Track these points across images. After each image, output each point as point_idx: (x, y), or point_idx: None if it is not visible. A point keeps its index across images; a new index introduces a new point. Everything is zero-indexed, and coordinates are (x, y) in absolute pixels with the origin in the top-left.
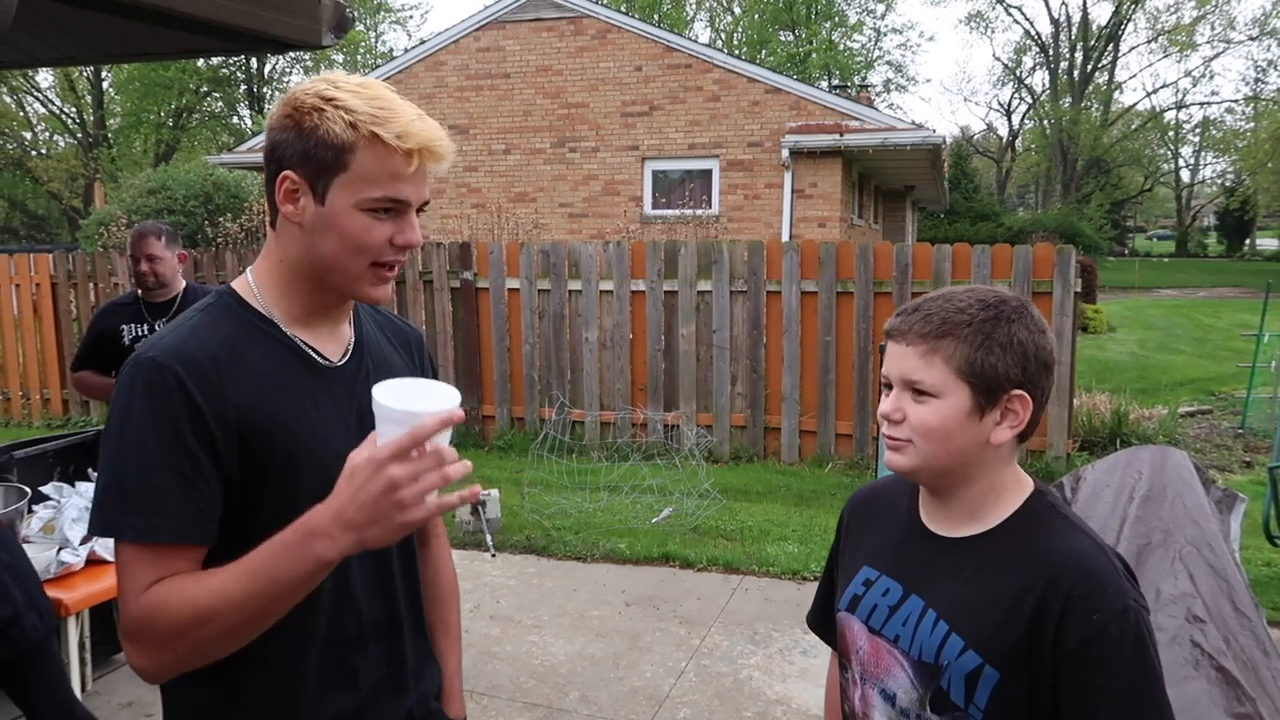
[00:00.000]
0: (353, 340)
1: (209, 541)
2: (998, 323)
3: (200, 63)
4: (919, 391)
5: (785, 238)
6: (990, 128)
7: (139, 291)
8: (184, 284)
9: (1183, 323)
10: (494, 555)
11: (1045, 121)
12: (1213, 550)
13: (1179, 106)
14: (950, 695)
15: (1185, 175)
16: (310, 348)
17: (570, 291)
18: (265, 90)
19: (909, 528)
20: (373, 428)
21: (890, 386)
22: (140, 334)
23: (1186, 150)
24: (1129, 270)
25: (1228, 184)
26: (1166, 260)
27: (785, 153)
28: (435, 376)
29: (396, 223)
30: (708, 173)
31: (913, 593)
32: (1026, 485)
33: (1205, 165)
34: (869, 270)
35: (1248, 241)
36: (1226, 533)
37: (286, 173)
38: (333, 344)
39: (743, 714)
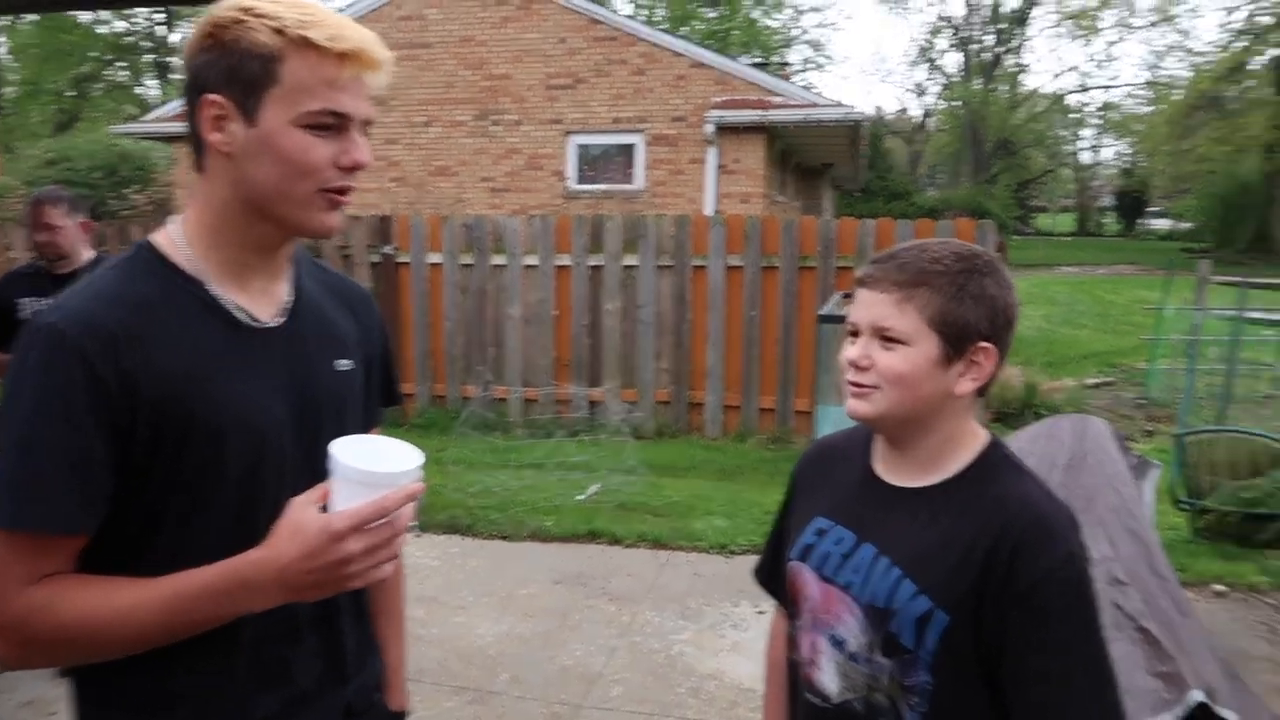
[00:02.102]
0: (290, 300)
1: (89, 532)
2: (971, 275)
3: (104, 29)
4: (889, 338)
5: (709, 213)
6: (904, 108)
7: (42, 262)
8: (91, 254)
9: (1085, 299)
10: (418, 535)
11: (956, 102)
12: (1132, 516)
13: (1082, 90)
14: (900, 639)
15: (1086, 157)
16: (239, 308)
17: (494, 266)
18: (171, 59)
19: (863, 479)
20: (313, 398)
21: (856, 333)
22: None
23: (1088, 133)
24: (1033, 249)
25: (1125, 166)
26: (1067, 239)
27: (710, 128)
28: (385, 341)
29: (340, 141)
30: (632, 147)
31: (866, 541)
32: (982, 437)
33: (1105, 147)
34: (794, 245)
35: (1142, 221)
36: (1142, 498)
37: (209, 96)
38: (266, 303)
39: (676, 690)
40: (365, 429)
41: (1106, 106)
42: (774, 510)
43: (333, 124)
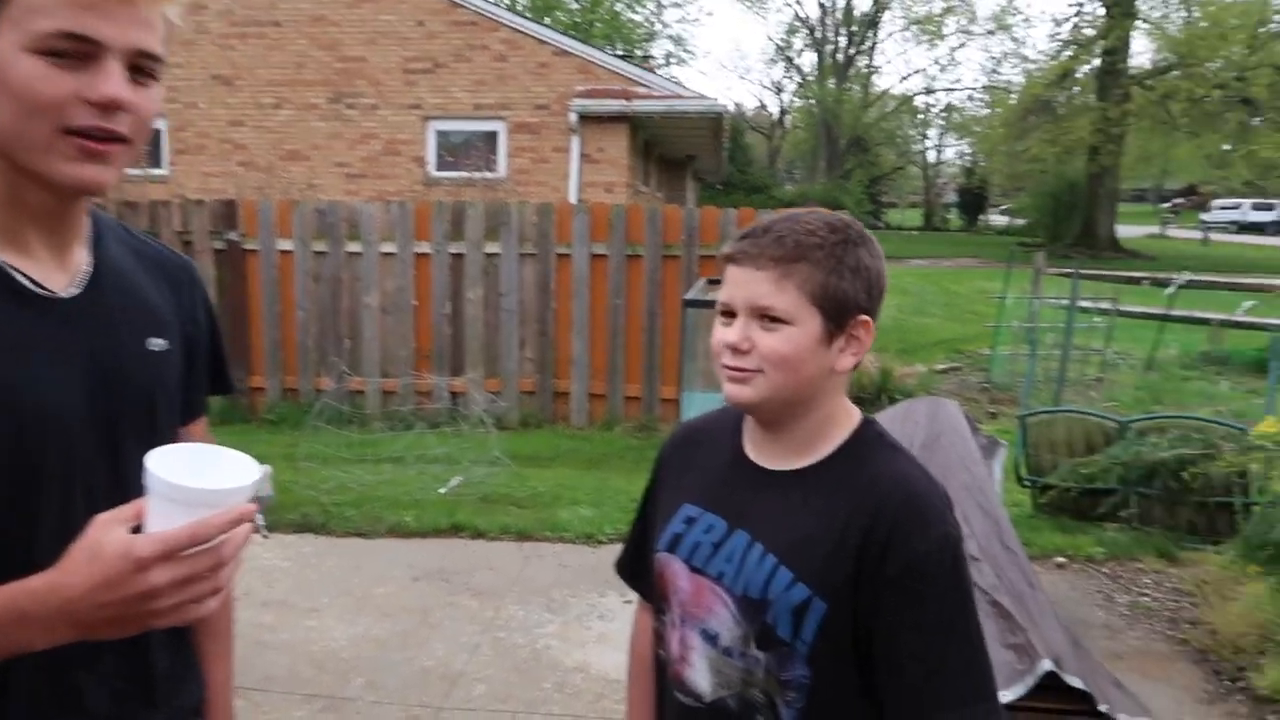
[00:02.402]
0: (89, 267)
1: None
2: (847, 246)
3: None
4: (770, 318)
5: (573, 202)
6: (763, 105)
7: None
8: None
9: (932, 289)
10: (266, 536)
11: (812, 101)
12: (983, 493)
13: (928, 91)
14: (776, 630)
15: (932, 156)
16: (20, 273)
17: (349, 254)
18: None
19: (733, 463)
20: (115, 381)
21: (731, 314)
22: None
23: (933, 133)
24: (885, 242)
25: (967, 165)
26: (914, 233)
27: (573, 116)
28: (213, 322)
29: (89, 72)
30: (494, 135)
31: (738, 528)
32: (855, 415)
33: (948, 147)
34: (658, 234)
35: (982, 217)
36: (991, 476)
37: None
38: (57, 270)
39: (541, 685)
40: (184, 420)
41: (949, 108)
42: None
43: (74, 50)
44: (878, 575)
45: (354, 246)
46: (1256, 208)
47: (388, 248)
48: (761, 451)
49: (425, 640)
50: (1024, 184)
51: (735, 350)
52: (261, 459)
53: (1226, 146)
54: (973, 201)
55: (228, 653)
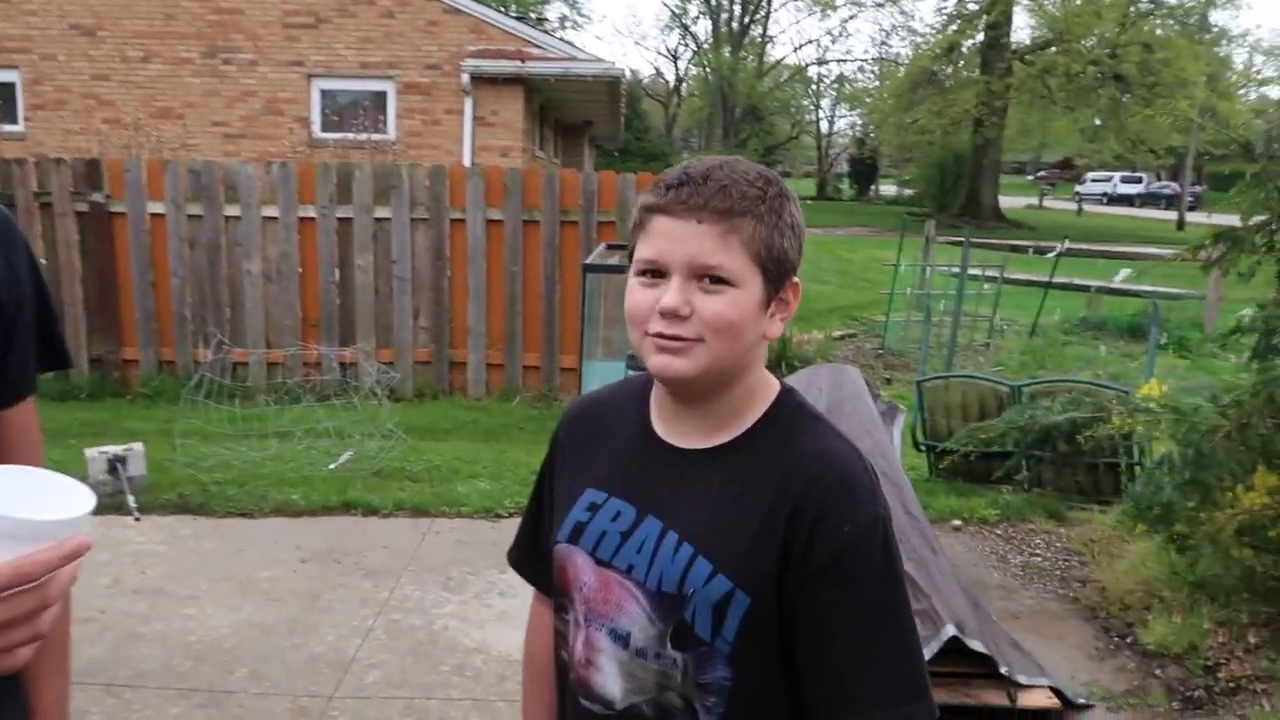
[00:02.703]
0: None
1: None
2: (783, 200)
3: None
4: (713, 279)
5: (467, 166)
6: (658, 72)
7: None
8: None
9: (827, 258)
10: (138, 519)
11: (707, 69)
12: (885, 458)
13: (820, 62)
14: (695, 628)
15: (825, 126)
16: None
17: (227, 218)
18: None
19: (641, 441)
20: None
21: (660, 274)
22: None
23: (826, 103)
24: None
25: (859, 136)
26: (809, 202)
27: (465, 77)
28: (39, 284)
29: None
30: (383, 95)
31: (649, 515)
32: (774, 384)
33: (840, 117)
34: (555, 199)
35: (873, 187)
36: (892, 441)
37: None
38: None
39: (439, 668)
40: (4, 402)
41: (841, 79)
42: None
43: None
44: (805, 563)
45: (233, 210)
46: (1125, 181)
47: (270, 211)
48: (673, 428)
49: (314, 625)
50: (913, 155)
51: (673, 316)
52: (133, 435)
53: (1098, 121)
54: (864, 172)
55: (63, 667)
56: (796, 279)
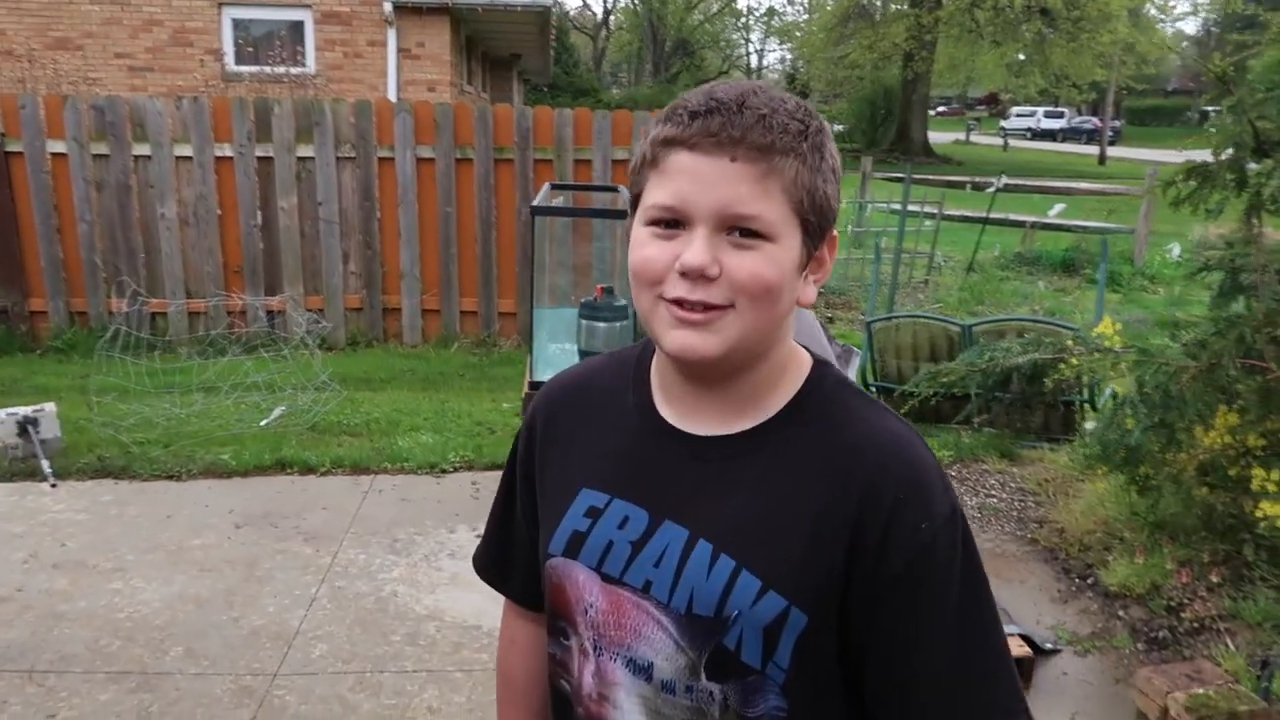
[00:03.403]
0: None
1: None
2: (825, 137)
3: None
4: (746, 232)
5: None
6: (586, 4)
7: None
8: None
9: None
10: (54, 485)
11: (636, 1)
12: None
13: None
14: (741, 655)
15: (755, 61)
16: None
17: (136, 157)
18: None
19: (646, 429)
20: None
21: (676, 224)
22: None
23: (756, 36)
24: None
25: (789, 70)
26: None
27: (388, 6)
28: None
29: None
30: (300, 25)
31: (665, 519)
32: (804, 357)
33: (771, 51)
34: (489, 136)
35: None
36: None
37: None
38: None
39: (391, 638)
40: None
41: (771, 12)
42: (487, 421)
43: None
44: (877, 572)
45: (142, 149)
46: (1049, 116)
47: (183, 150)
48: (684, 412)
49: (253, 596)
50: (843, 90)
51: (699, 277)
52: (45, 394)
53: (1022, 56)
54: None
55: None
56: (835, 232)
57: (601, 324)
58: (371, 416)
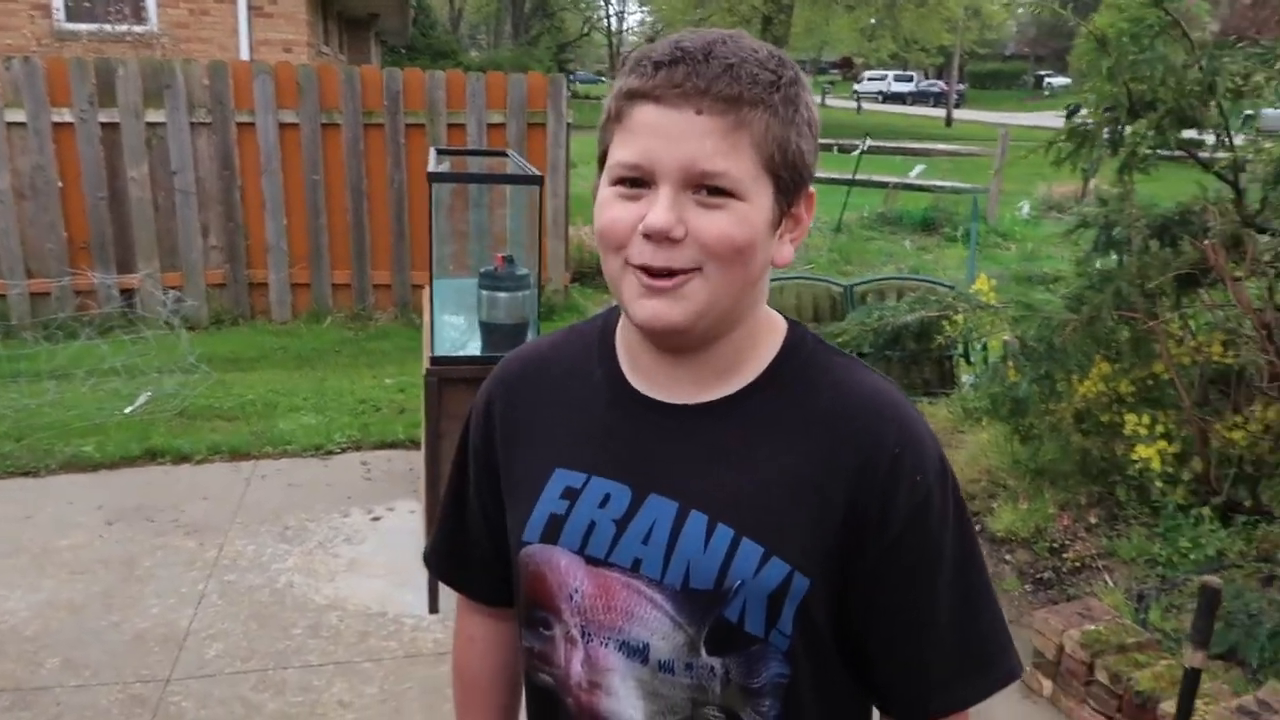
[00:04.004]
0: None
1: None
2: (798, 88)
3: None
4: (713, 190)
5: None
6: None
7: None
8: None
9: None
10: None
11: None
12: None
13: None
14: (745, 626)
15: (615, 23)
16: None
17: None
18: None
19: (619, 401)
20: None
21: (641, 183)
22: None
23: None
24: (578, 111)
25: (650, 33)
26: (601, 103)
27: None
28: None
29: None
30: None
31: (651, 493)
32: (778, 320)
33: (631, 14)
34: (357, 99)
35: None
36: None
37: None
38: None
39: (291, 632)
40: None
41: None
42: (371, 398)
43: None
44: (880, 530)
45: None
46: (898, 79)
47: (15, 116)
48: (656, 381)
49: (135, 598)
50: None
51: (663, 239)
52: None
53: (874, 20)
54: None
55: None
56: (812, 189)
57: (503, 294)
58: (246, 399)
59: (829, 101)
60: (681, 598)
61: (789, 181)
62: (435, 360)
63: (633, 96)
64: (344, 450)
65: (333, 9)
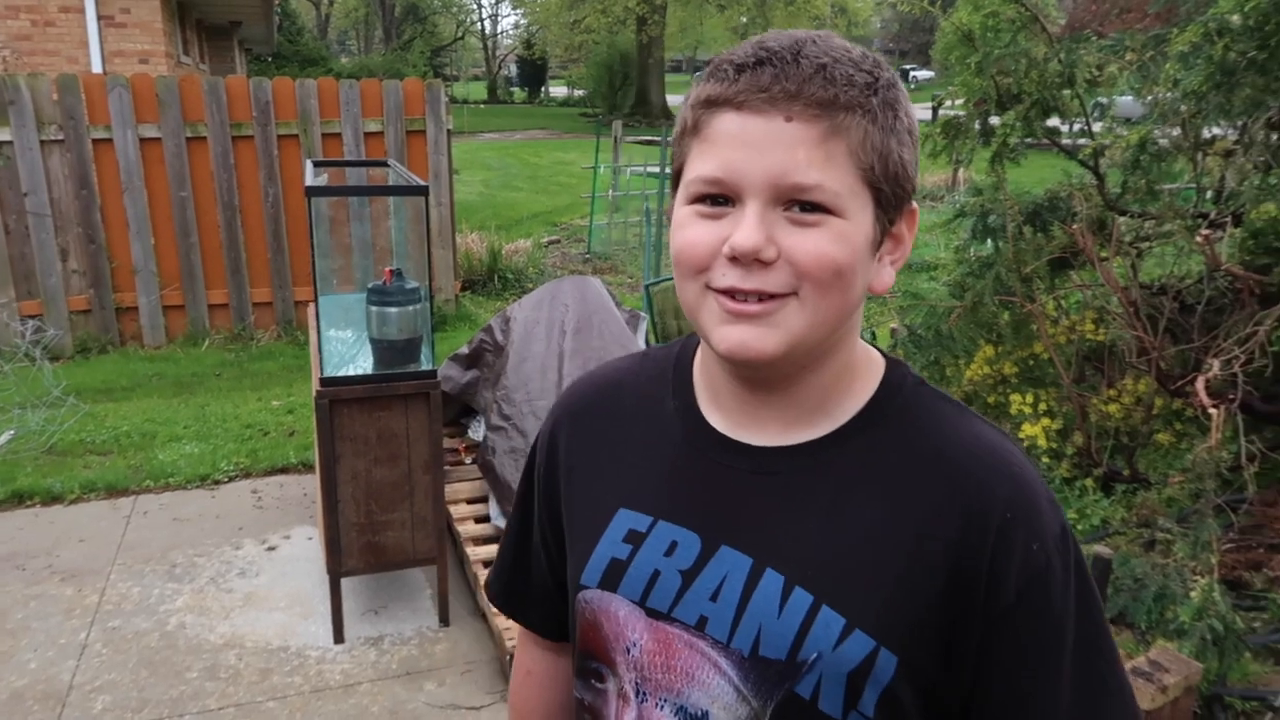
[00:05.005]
0: None
1: None
2: (898, 92)
3: None
4: (806, 206)
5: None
6: None
7: None
8: None
9: (513, 163)
10: None
11: None
12: None
13: None
14: (819, 704)
15: (489, 26)
16: None
17: None
18: None
19: (693, 439)
20: None
21: (724, 200)
22: None
23: (489, 1)
24: (455, 116)
25: (525, 36)
26: (481, 106)
27: None
28: None
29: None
30: None
31: (722, 544)
32: (874, 356)
33: (505, 17)
34: (224, 111)
35: (544, 89)
36: (638, 348)
37: None
38: None
39: (186, 676)
40: None
41: None
42: (257, 422)
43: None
44: (986, 605)
45: None
46: None
47: None
48: (738, 420)
49: (8, 653)
50: (580, 55)
51: (753, 262)
52: None
53: (745, 19)
54: (534, 73)
55: None
56: (914, 205)
57: (393, 309)
58: (120, 430)
59: None
60: (749, 665)
61: (890, 196)
62: (325, 381)
63: (712, 104)
64: (232, 479)
65: (191, 17)
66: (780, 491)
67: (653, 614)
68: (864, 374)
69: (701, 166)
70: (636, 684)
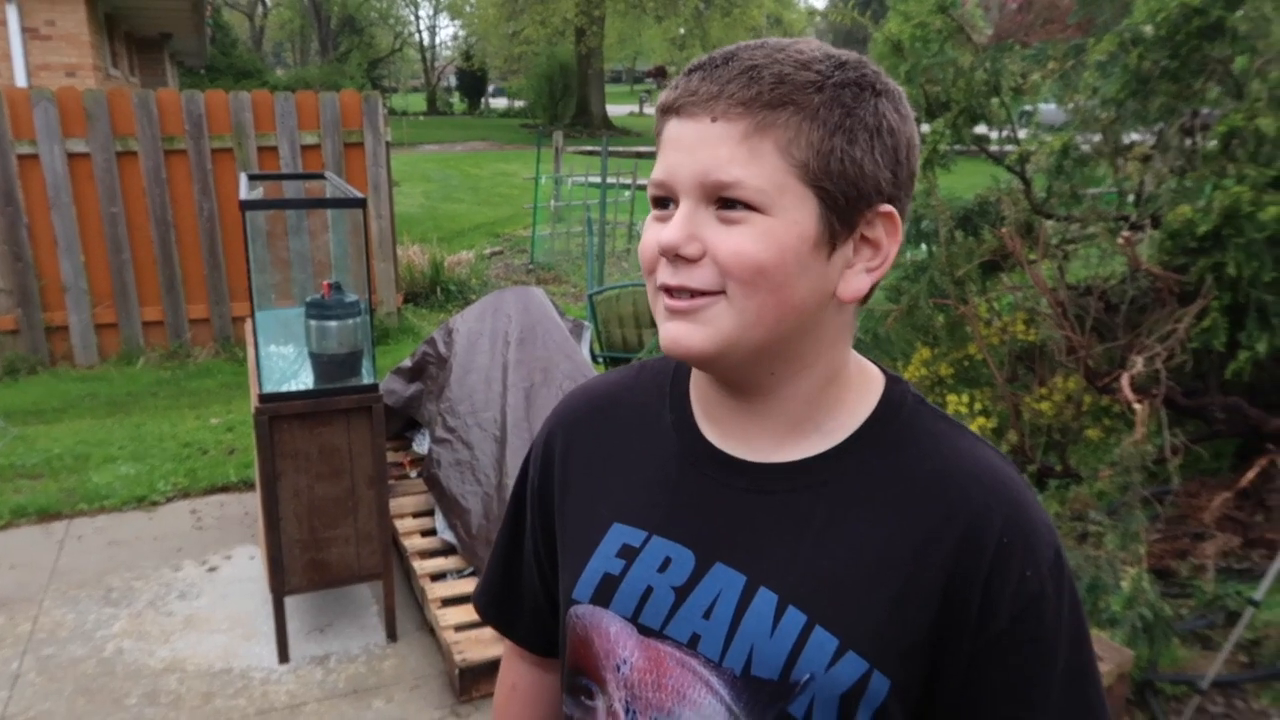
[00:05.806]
0: None
1: None
2: (861, 93)
3: None
4: (732, 203)
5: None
6: None
7: None
8: None
9: (454, 174)
10: None
11: None
12: (584, 379)
13: None
14: None
15: (427, 38)
16: None
17: None
18: None
19: (689, 454)
20: None
21: (669, 202)
22: None
23: (426, 12)
24: (394, 128)
25: (464, 47)
26: (421, 118)
27: None
28: None
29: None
30: None
31: (716, 561)
32: (872, 371)
33: (444, 28)
34: (155, 125)
35: (483, 99)
36: (584, 359)
37: None
38: None
39: (125, 702)
40: None
41: None
42: (196, 441)
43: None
44: (979, 630)
45: None
46: None
47: None
48: (731, 434)
49: None
50: (520, 66)
51: (680, 257)
52: None
53: (683, 30)
54: (473, 84)
55: None
56: (888, 207)
57: (333, 323)
58: (52, 453)
59: (646, 110)
60: (741, 685)
61: (840, 196)
62: (265, 397)
63: (663, 112)
64: (170, 499)
65: (120, 30)
66: (776, 510)
67: (644, 631)
68: (858, 388)
69: (654, 172)
70: (626, 702)
